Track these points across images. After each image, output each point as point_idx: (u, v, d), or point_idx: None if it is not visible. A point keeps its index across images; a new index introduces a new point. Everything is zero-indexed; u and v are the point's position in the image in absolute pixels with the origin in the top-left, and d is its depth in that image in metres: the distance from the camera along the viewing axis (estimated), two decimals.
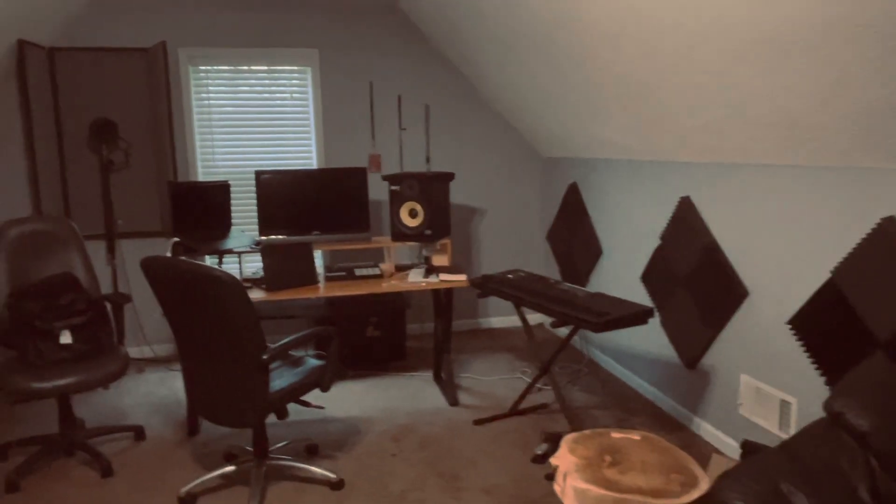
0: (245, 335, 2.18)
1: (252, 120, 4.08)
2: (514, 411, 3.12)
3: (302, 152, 4.17)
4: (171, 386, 3.63)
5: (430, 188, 3.22)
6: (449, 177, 3.51)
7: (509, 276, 3.09)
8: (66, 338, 2.65)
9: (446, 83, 4.36)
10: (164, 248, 3.99)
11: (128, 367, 2.73)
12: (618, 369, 3.63)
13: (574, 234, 4.10)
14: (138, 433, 2.98)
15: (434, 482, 2.50)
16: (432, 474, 2.57)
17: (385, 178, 3.41)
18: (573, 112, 3.39)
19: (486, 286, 2.99)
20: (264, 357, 2.19)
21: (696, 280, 2.82)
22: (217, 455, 2.78)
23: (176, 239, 2.93)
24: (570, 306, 2.53)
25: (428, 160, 4.37)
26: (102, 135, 3.62)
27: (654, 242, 3.16)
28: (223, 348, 2.21)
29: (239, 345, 2.19)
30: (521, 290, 2.82)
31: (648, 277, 3.25)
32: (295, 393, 2.38)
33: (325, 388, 2.47)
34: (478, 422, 3.05)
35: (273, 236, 3.37)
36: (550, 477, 2.48)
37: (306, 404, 2.70)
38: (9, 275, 2.79)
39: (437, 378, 3.57)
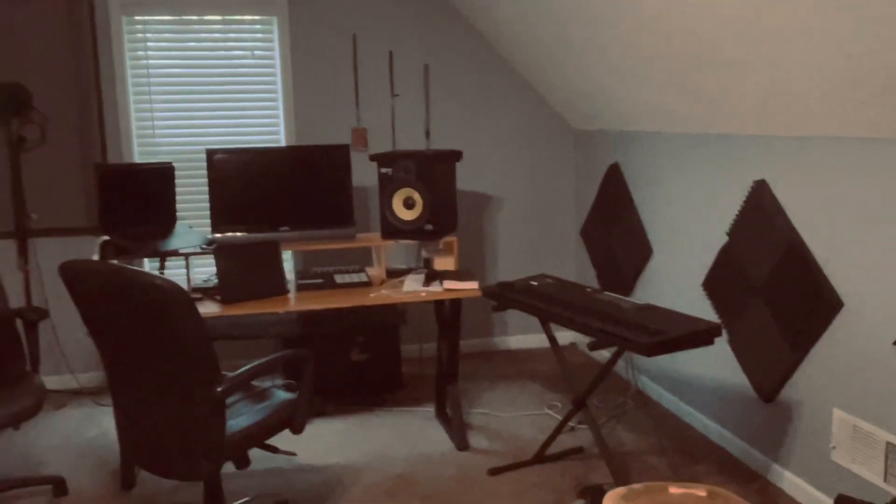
0: (194, 361, 2.16)
1: (203, 85, 4.08)
2: (541, 457, 3.11)
3: (267, 126, 4.18)
4: (100, 425, 3.62)
5: (431, 171, 3.23)
6: (455, 156, 3.51)
7: (533, 283, 3.08)
8: None
9: (450, 36, 4.36)
10: (90, 249, 3.96)
11: (44, 401, 2.71)
12: (673, 402, 3.62)
13: (615, 229, 4.11)
14: (58, 486, 2.96)
15: None
16: None
17: (373, 157, 3.41)
18: (615, 71, 3.37)
19: (504, 297, 2.99)
20: (219, 389, 2.17)
21: (775, 288, 2.81)
22: None
23: (105, 238, 2.91)
24: (613, 322, 2.51)
25: (427, 135, 4.38)
26: (12, 104, 3.61)
27: (720, 239, 3.15)
28: (166, 378, 2.20)
29: (187, 374, 2.17)
30: (548, 301, 2.82)
31: (712, 284, 3.23)
32: (259, 435, 2.36)
33: (297, 429, 2.45)
34: (494, 471, 3.04)
35: (230, 234, 3.34)
36: None
37: (274, 450, 2.69)
38: None
39: (442, 414, 3.58)
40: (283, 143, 4.17)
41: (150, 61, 4.00)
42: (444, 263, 3.41)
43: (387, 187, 3.32)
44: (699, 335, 2.46)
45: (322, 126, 4.21)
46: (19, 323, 3.08)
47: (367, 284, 3.27)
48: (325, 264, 3.73)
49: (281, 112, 4.17)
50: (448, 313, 3.34)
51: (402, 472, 3.06)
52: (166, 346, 2.14)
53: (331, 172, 3.53)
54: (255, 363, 2.30)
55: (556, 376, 4.14)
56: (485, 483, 2.97)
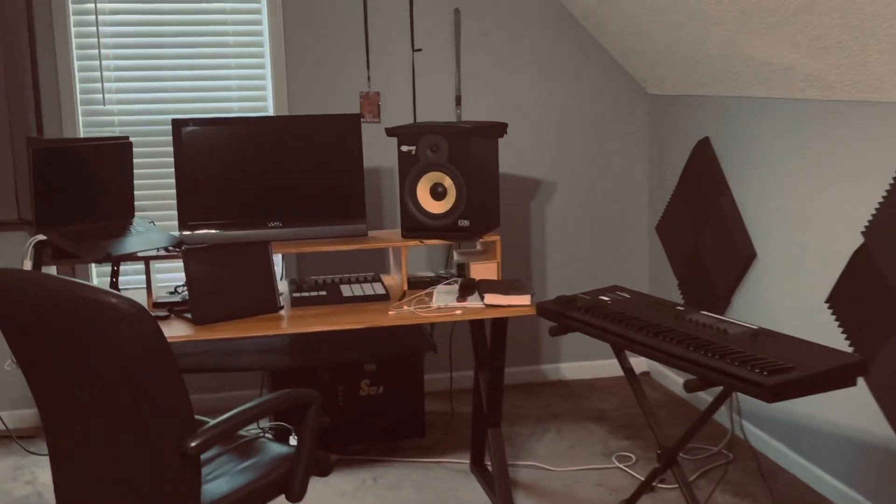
0: (160, 406, 2.04)
1: (168, 37, 3.99)
2: None
3: (250, 91, 4.10)
4: (32, 478, 3.52)
5: (468, 149, 3.13)
6: (498, 130, 3.43)
7: (604, 298, 2.97)
8: None
9: None
10: (19, 246, 3.86)
11: None
12: (784, 454, 3.52)
13: (704, 225, 4.01)
14: None
15: None
16: None
17: (392, 132, 3.30)
18: (710, 16, 3.19)
19: (567, 317, 2.87)
20: (193, 444, 2.04)
21: None
22: None
23: (40, 237, 2.78)
24: (718, 354, 2.37)
25: (458, 102, 4.29)
26: None
27: (853, 241, 3.05)
28: (122, 428, 2.08)
29: (150, 422, 2.05)
30: (626, 323, 2.69)
31: (842, 301, 3.13)
32: (248, 502, 2.23)
33: (295, 496, 2.33)
34: None
35: (204, 231, 3.22)
36: None
37: None
38: None
39: (479, 467, 3.50)
40: (271, 113, 4.10)
41: (102, 5, 3.90)
42: (483, 270, 3.30)
43: (409, 170, 3.22)
44: (839, 374, 2.30)
45: (322, 91, 4.14)
46: None
47: (384, 298, 3.16)
48: (327, 271, 3.61)
49: (269, 73, 4.09)
50: (489, 336, 3.24)
51: None
52: (122, 385, 2.03)
53: (336, 151, 3.39)
54: (243, 407, 2.16)
55: (627, 415, 4.04)
56: None
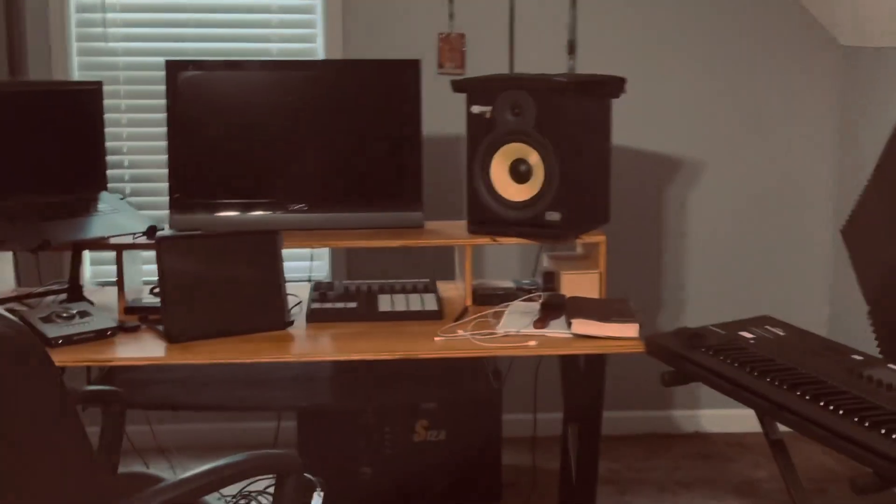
0: (69, 461, 1.78)
1: None
2: None
3: (295, 28, 3.91)
4: None
5: (565, 113, 2.87)
6: (612, 87, 3.20)
7: (745, 335, 2.64)
8: None
9: None
10: None
11: None
12: None
13: None
14: None
15: None
16: None
17: (458, 86, 3.06)
18: None
19: (689, 360, 2.54)
20: None
21: None
22: None
23: None
24: None
25: (571, 50, 4.03)
26: None
27: None
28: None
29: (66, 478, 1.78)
30: (775, 377, 2.35)
31: None
32: None
33: None
34: None
35: (200, 213, 3.02)
36: None
37: None
38: None
39: None
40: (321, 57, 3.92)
41: None
42: (578, 284, 2.99)
43: (481, 141, 2.94)
44: None
45: (388, 31, 3.93)
46: None
47: (435, 316, 2.88)
48: (365, 274, 3.45)
49: (320, 5, 3.86)
50: (582, 375, 2.95)
51: None
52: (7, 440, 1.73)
53: (388, 111, 3.15)
54: (204, 469, 1.83)
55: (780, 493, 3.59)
56: None
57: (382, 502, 3.53)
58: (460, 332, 2.72)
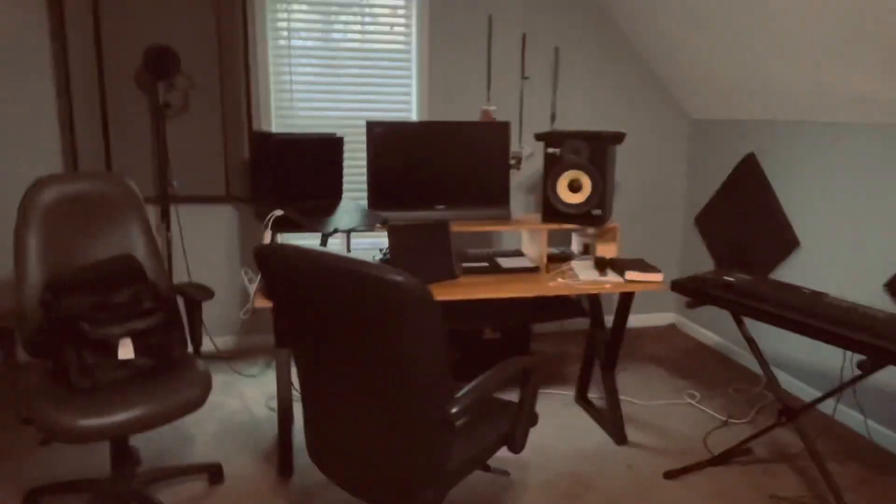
0: (425, 374, 1.43)
1: (340, 58, 3.27)
2: (720, 460, 2.37)
3: (397, 103, 3.39)
4: (241, 395, 2.90)
5: (603, 153, 2.53)
6: (619, 138, 2.77)
7: (728, 279, 2.31)
8: (126, 350, 1.87)
9: (582, 18, 3.56)
10: (225, 218, 3.22)
11: (210, 389, 1.95)
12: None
13: (746, 216, 3.31)
14: (214, 474, 2.22)
15: None
16: None
17: (540, 137, 2.66)
18: (773, 47, 2.53)
19: (705, 293, 2.21)
20: (454, 410, 1.42)
21: None
22: None
23: (278, 212, 2.12)
24: (879, 336, 1.76)
25: (553, 119, 3.62)
26: (160, 68, 2.78)
27: None
28: (386, 392, 1.47)
29: (415, 389, 1.44)
30: (768, 302, 2.04)
31: None
32: (483, 458, 1.64)
33: (517, 448, 1.70)
34: (669, 474, 2.30)
35: (388, 211, 2.58)
36: None
37: (486, 469, 1.94)
38: (43, 257, 1.98)
39: (583, 399, 2.89)
40: (414, 119, 3.40)
41: (294, 26, 3.17)
42: (606, 250, 2.67)
43: (553, 168, 2.58)
44: None
45: (450, 105, 3.44)
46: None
47: (535, 270, 2.54)
48: (472, 246, 2.95)
49: (414, 88, 3.38)
50: (618, 303, 2.67)
51: (569, 471, 2.35)
52: (393, 355, 1.42)
53: (489, 150, 2.75)
54: (487, 375, 1.56)
55: (674, 359, 3.40)
56: (663, 488, 2.23)
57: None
58: (560, 280, 2.38)
